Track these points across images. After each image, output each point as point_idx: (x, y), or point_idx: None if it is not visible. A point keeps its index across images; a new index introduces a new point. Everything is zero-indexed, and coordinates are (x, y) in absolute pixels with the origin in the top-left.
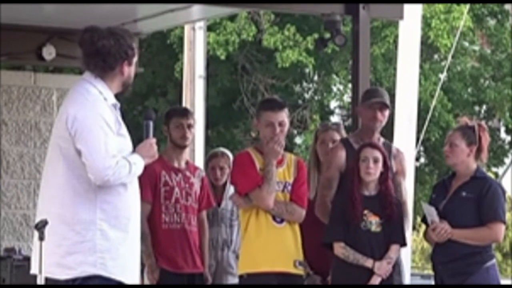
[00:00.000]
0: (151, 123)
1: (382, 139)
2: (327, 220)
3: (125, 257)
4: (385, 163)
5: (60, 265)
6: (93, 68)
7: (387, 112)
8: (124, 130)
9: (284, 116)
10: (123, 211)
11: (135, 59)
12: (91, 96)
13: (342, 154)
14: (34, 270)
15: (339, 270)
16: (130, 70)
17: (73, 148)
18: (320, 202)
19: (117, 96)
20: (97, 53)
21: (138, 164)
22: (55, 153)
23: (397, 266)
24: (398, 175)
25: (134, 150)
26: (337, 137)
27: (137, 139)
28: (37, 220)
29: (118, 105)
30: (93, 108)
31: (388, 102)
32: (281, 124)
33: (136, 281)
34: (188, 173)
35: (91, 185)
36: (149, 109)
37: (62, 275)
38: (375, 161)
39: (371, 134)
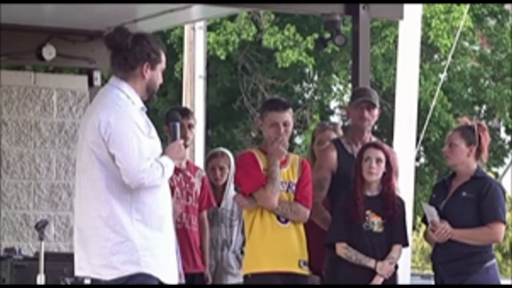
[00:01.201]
0: (178, 125)
1: (374, 138)
2: (318, 221)
3: (162, 256)
4: (388, 164)
5: (105, 266)
6: (116, 67)
7: (375, 111)
8: (154, 132)
9: (288, 116)
10: (157, 210)
11: (160, 66)
12: (121, 101)
13: (333, 155)
14: (78, 272)
15: (341, 270)
16: (153, 75)
17: (107, 152)
18: (312, 203)
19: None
20: (118, 51)
21: (170, 166)
22: (89, 159)
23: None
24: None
25: (163, 152)
26: (334, 137)
27: None
28: (77, 226)
29: (145, 109)
30: (124, 113)
31: (375, 101)
32: (285, 124)
33: (174, 280)
34: (188, 173)
35: (125, 187)
36: (174, 111)
37: (108, 275)
38: (378, 161)
39: (361, 133)
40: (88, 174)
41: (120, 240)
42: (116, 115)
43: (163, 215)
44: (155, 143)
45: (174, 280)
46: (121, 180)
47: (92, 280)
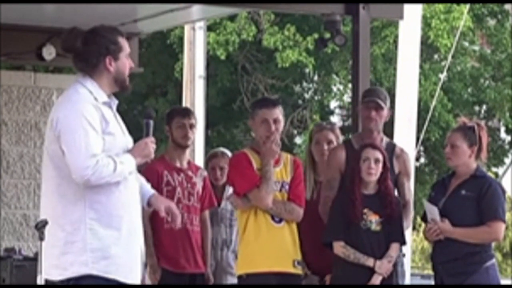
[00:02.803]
0: (151, 122)
1: (386, 139)
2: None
3: (119, 256)
4: (384, 164)
5: (55, 266)
6: (80, 68)
7: (384, 112)
8: (114, 128)
9: (278, 113)
10: (116, 209)
11: (123, 53)
12: (76, 96)
13: (341, 155)
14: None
15: (340, 270)
16: (117, 65)
17: (59, 149)
18: (323, 203)
19: (117, 94)
20: (78, 54)
21: (127, 163)
22: (45, 156)
23: (396, 266)
24: (401, 175)
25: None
26: (332, 137)
27: (136, 139)
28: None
29: (115, 102)
30: (74, 107)
31: (383, 101)
32: (276, 121)
33: (137, 279)
34: (190, 173)
35: (79, 185)
36: (149, 108)
37: (57, 276)
38: (376, 161)
39: (370, 134)
40: (44, 172)
41: (69, 240)
42: (66, 111)
43: (122, 214)
44: (113, 139)
45: (137, 280)
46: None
47: (46, 280)
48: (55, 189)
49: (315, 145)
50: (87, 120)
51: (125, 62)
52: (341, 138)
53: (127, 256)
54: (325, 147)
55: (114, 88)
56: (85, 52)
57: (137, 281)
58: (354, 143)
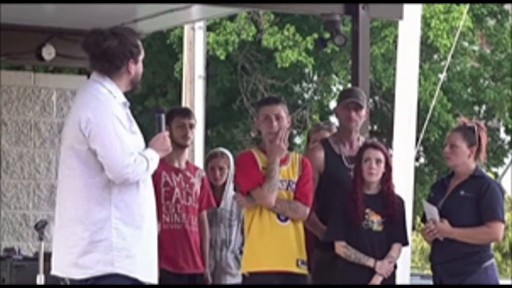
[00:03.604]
0: (163, 116)
1: (362, 138)
2: (306, 223)
3: (140, 255)
4: (387, 164)
5: (76, 265)
6: (100, 69)
7: (362, 112)
8: (135, 127)
9: (280, 109)
10: (137, 208)
11: (141, 57)
12: (102, 96)
13: (320, 155)
14: (53, 270)
15: (340, 269)
16: (136, 68)
17: (87, 149)
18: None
19: (126, 94)
20: (102, 55)
21: (155, 159)
22: (69, 155)
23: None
24: None
25: (147, 145)
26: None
27: None
28: (57, 224)
29: (128, 103)
30: (105, 107)
31: (363, 102)
32: (278, 117)
33: (154, 279)
34: (188, 173)
35: (106, 184)
36: (159, 105)
37: (79, 274)
38: (378, 161)
39: (349, 134)
40: (68, 172)
41: (94, 239)
42: (96, 110)
43: (143, 214)
44: (137, 138)
45: (154, 280)
46: (101, 177)
47: (64, 279)
48: (81, 188)
49: (313, 145)
50: (118, 120)
51: (141, 65)
52: None
53: (147, 255)
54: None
55: (128, 88)
56: (110, 53)
57: (155, 281)
58: (332, 143)
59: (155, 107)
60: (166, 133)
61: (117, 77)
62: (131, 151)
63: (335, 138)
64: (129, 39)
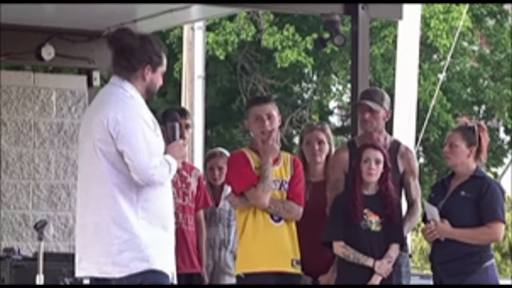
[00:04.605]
0: (176, 125)
1: (390, 138)
2: None
3: (166, 254)
4: (385, 164)
5: (114, 264)
6: (117, 67)
7: (380, 113)
8: (159, 130)
9: (270, 108)
10: (160, 209)
11: (160, 68)
12: (128, 99)
13: (344, 156)
14: (81, 272)
15: (339, 269)
16: (153, 77)
17: (115, 150)
18: (329, 204)
19: None
20: (122, 51)
21: (174, 165)
22: (95, 157)
23: (396, 267)
24: (406, 174)
25: (165, 152)
26: (323, 137)
27: None
28: (82, 225)
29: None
30: (133, 110)
31: (377, 103)
32: (269, 116)
33: (174, 278)
34: (184, 173)
35: (132, 185)
36: (172, 111)
37: (118, 273)
38: (377, 162)
39: (370, 135)
40: (94, 172)
41: (128, 237)
42: (124, 112)
43: (166, 214)
44: (160, 141)
45: (174, 278)
46: (127, 178)
47: (99, 279)
48: (110, 189)
49: (306, 146)
50: (145, 122)
51: (159, 77)
52: (332, 137)
53: (170, 256)
54: (316, 147)
55: (144, 97)
56: (129, 50)
57: (174, 280)
58: (357, 144)
59: (168, 115)
60: (181, 141)
61: (133, 80)
62: (157, 153)
63: (360, 139)
64: (153, 46)
